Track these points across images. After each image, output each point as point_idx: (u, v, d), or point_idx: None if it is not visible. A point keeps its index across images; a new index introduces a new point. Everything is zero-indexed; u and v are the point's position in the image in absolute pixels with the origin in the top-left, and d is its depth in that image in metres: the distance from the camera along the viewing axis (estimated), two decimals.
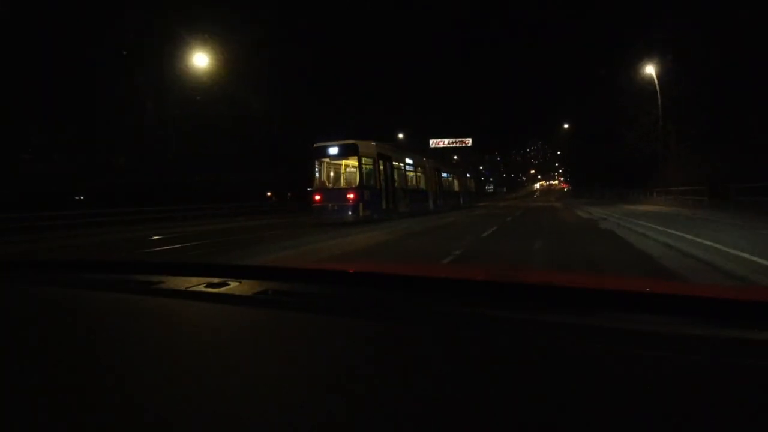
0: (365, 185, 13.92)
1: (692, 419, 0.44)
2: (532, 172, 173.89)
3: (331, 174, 15.07)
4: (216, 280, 1.07)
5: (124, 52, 22.59)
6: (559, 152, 74.11)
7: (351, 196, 13.68)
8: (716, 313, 0.71)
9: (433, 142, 70.62)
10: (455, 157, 70.66)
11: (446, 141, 72.03)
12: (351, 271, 1.21)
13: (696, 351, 0.58)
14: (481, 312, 0.80)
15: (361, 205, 13.54)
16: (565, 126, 56.03)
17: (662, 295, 0.81)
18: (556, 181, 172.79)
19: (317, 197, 14.07)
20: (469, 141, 72.12)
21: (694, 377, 0.53)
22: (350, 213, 13.45)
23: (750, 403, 0.47)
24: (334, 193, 14.08)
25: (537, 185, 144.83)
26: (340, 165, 15.15)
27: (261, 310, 0.87)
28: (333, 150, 14.30)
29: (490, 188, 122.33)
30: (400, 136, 41.14)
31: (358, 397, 0.52)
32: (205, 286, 1.04)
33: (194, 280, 1.10)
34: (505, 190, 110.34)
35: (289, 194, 42.72)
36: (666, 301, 0.77)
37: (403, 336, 0.70)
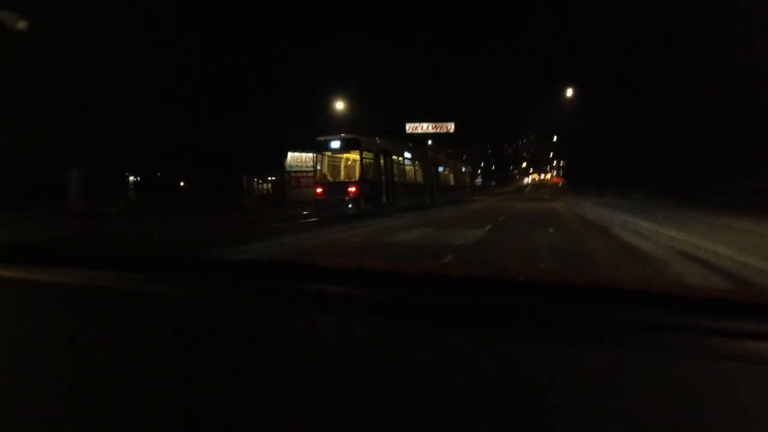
0: (366, 179, 14.25)
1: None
2: (524, 165, 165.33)
3: (333, 168, 15.33)
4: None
5: None
6: (555, 137, 61.73)
7: (352, 190, 13.87)
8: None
9: (409, 127, 59.66)
10: (429, 142, 59.13)
11: (425, 126, 60.60)
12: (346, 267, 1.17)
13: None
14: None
15: (362, 199, 13.76)
16: (568, 93, 36.08)
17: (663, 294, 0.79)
18: (549, 176, 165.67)
19: (319, 190, 14.35)
20: (451, 126, 61.10)
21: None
22: (351, 206, 13.63)
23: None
24: (336, 187, 14.30)
25: (528, 179, 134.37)
26: (342, 159, 15.40)
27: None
28: (335, 144, 14.53)
29: (478, 181, 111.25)
30: (339, 106, 29.51)
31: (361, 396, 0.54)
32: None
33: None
34: (494, 183, 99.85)
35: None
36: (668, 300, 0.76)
37: (403, 336, 0.71)
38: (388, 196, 15.47)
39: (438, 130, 63.48)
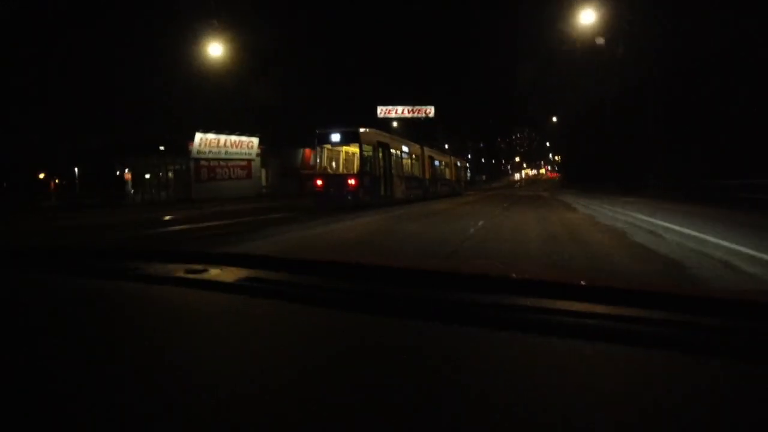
0: (365, 171, 14.57)
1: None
2: (518, 159, 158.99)
3: (333, 160, 15.64)
4: (197, 267, 1.12)
5: None
6: (554, 118, 51.52)
7: (352, 182, 14.15)
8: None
9: (381, 111, 49.25)
10: (394, 124, 49.86)
11: (400, 109, 50.47)
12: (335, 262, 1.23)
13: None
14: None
15: (361, 190, 14.09)
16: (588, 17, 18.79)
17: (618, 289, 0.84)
18: (543, 170, 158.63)
19: (319, 182, 14.60)
20: (431, 111, 51.24)
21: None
22: (350, 198, 13.96)
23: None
24: (336, 179, 14.57)
25: (518, 174, 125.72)
26: (342, 151, 15.77)
27: (242, 297, 0.92)
28: (335, 137, 14.87)
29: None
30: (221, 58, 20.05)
31: (345, 386, 0.54)
32: (186, 272, 1.09)
33: (175, 266, 1.16)
34: (484, 178, 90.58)
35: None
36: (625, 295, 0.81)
37: (387, 327, 0.75)
38: (386, 188, 15.82)
39: (415, 115, 53.33)
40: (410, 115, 53.70)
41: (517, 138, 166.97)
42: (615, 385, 0.54)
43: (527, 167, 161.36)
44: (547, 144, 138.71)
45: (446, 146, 63.86)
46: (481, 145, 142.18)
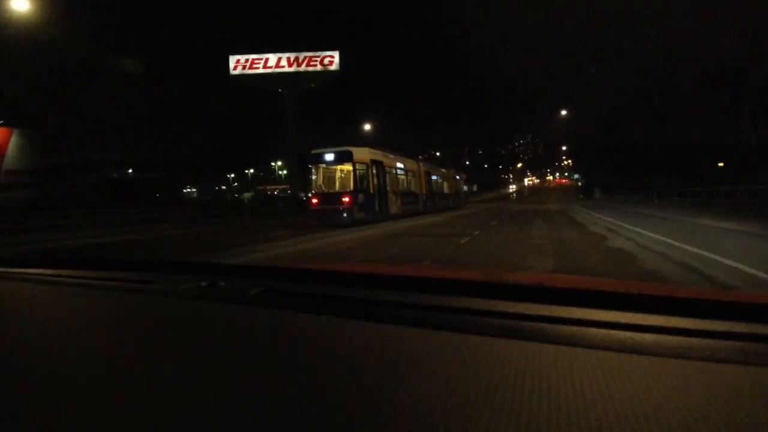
0: (359, 189, 15.32)
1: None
2: (519, 165, 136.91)
3: (328, 179, 16.50)
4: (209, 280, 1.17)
5: None
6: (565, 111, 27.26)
7: (346, 199, 14.85)
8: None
9: (236, 63, 20.51)
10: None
11: (273, 59, 22.67)
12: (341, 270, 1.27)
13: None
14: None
15: (355, 207, 14.78)
16: None
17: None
18: (550, 177, 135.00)
19: (314, 200, 15.47)
20: (334, 59, 23.80)
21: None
22: (345, 215, 14.66)
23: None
24: (331, 197, 15.33)
25: (514, 185, 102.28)
26: (336, 170, 16.55)
27: (254, 309, 0.96)
28: (329, 156, 15.59)
29: None
30: None
31: (356, 394, 0.55)
32: (198, 285, 1.13)
33: (186, 279, 1.21)
34: (475, 188, 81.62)
35: None
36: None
37: (393, 336, 0.76)
38: (381, 204, 16.52)
39: (304, 67, 28.06)
40: (293, 69, 28.88)
41: (520, 145, 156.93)
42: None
43: (532, 175, 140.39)
44: (566, 117, 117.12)
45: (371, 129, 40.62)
46: (480, 152, 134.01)
